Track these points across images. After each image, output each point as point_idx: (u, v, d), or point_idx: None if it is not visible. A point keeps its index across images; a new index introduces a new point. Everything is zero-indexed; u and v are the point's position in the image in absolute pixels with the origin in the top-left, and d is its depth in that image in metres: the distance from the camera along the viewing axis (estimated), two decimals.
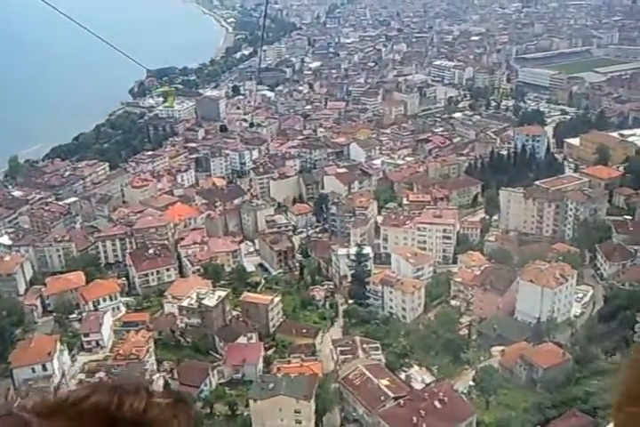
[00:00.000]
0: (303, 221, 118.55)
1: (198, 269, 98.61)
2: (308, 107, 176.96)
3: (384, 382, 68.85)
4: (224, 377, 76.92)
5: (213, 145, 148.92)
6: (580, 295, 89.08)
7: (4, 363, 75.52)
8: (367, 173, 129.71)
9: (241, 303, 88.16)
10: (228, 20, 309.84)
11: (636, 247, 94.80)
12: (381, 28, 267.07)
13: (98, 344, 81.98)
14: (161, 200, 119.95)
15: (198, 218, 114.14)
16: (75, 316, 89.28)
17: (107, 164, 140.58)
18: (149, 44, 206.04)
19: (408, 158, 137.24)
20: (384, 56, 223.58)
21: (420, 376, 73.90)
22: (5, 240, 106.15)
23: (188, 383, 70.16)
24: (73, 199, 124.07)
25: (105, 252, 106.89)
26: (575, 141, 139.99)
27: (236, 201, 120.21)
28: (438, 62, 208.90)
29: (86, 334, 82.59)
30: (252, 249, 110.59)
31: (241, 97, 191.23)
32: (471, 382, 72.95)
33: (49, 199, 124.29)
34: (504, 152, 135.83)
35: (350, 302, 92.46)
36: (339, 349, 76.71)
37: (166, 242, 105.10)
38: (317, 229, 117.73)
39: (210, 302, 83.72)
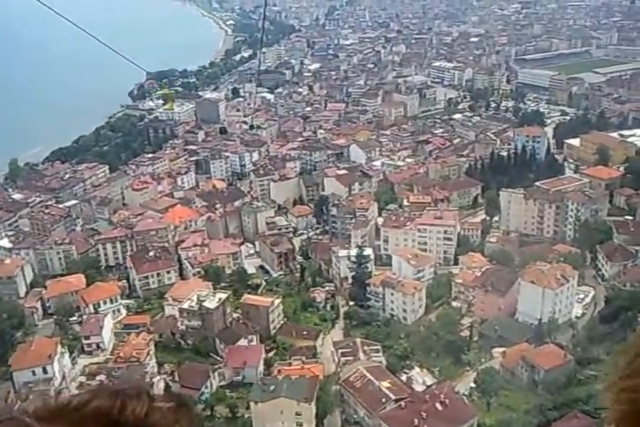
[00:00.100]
0: (303, 223, 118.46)
1: (199, 272, 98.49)
2: (308, 108, 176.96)
3: (385, 384, 68.72)
4: (225, 379, 76.79)
5: (213, 147, 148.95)
6: (582, 296, 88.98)
7: (5, 366, 75.41)
8: (367, 175, 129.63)
9: (241, 305, 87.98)
10: (228, 23, 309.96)
11: (637, 248, 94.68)
12: (381, 29, 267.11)
13: (98, 347, 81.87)
14: (161, 203, 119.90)
15: (199, 220, 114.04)
16: (75, 318, 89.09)
17: (107, 166, 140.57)
18: (149, 46, 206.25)
19: (408, 160, 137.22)
20: (383, 57, 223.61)
21: (421, 378, 73.81)
22: (6, 243, 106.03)
23: (188, 386, 70.01)
24: (73, 202, 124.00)
25: (105, 254, 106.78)
26: (575, 142, 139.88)
27: (237, 203, 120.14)
28: (438, 64, 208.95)
29: (87, 337, 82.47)
30: (252, 251, 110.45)
31: (241, 99, 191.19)
32: (472, 384, 72.79)
33: (49, 202, 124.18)
34: (504, 153, 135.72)
35: (351, 303, 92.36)
36: (339, 351, 76.56)
37: (167, 244, 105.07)
38: (318, 231, 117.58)
39: (210, 304, 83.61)
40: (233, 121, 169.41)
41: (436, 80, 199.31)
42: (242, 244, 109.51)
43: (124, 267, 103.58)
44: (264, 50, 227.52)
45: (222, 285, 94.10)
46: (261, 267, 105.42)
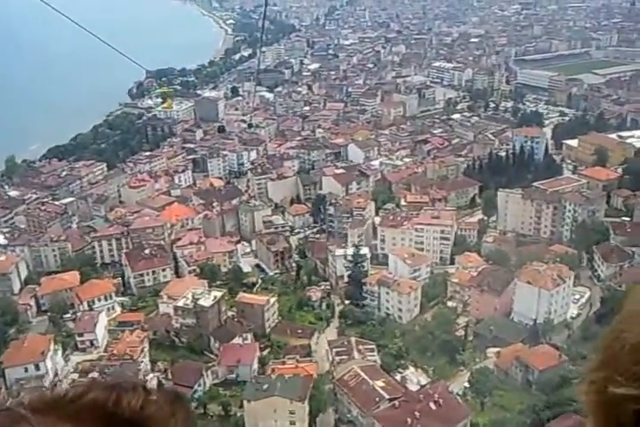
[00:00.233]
0: (300, 222, 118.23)
1: (194, 270, 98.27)
2: (307, 108, 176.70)
3: (379, 383, 68.54)
4: (218, 378, 76.56)
5: (211, 146, 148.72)
6: (577, 297, 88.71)
7: None
8: (365, 174, 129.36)
9: (237, 304, 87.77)
10: (228, 22, 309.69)
11: (633, 249, 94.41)
12: (380, 29, 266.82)
13: (92, 344, 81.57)
14: (158, 200, 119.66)
15: (195, 218, 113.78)
16: (69, 316, 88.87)
17: (104, 164, 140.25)
18: (148, 45, 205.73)
19: (406, 159, 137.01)
20: (383, 57, 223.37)
21: (415, 378, 73.64)
22: (1, 240, 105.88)
23: (181, 384, 69.56)
24: (70, 199, 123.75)
25: (101, 252, 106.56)
26: (574, 143, 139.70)
27: (234, 202, 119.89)
28: (437, 64, 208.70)
29: (80, 334, 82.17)
30: (248, 249, 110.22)
31: (240, 98, 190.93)
32: (466, 384, 72.59)
33: (45, 199, 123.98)
34: (502, 153, 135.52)
35: (346, 302, 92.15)
36: (334, 350, 76.35)
37: (162, 242, 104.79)
38: (315, 230, 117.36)
39: (205, 302, 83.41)
40: (232, 120, 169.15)
41: (436, 80, 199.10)
42: (238, 242, 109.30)
43: (120, 264, 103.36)
44: (264, 49, 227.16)
45: (218, 283, 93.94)
46: (257, 265, 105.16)
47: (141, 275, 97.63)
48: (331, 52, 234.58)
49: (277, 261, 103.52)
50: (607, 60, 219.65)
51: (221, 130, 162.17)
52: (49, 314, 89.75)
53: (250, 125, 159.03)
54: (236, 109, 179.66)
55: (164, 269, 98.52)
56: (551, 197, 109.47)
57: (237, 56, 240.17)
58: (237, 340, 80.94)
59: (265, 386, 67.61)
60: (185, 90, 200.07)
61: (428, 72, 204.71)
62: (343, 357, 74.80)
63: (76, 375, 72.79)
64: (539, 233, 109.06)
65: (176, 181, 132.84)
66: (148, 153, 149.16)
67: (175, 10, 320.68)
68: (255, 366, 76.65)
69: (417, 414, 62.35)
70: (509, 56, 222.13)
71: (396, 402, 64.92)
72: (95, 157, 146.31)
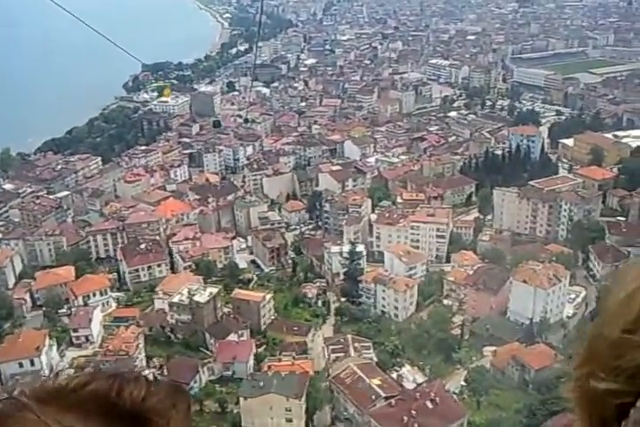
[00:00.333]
0: (296, 219, 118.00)
1: (190, 265, 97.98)
2: (303, 104, 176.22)
3: (375, 381, 68.56)
4: (214, 374, 76.41)
5: (207, 141, 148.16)
6: (573, 296, 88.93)
7: None
8: (361, 171, 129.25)
9: (232, 300, 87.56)
10: (224, 16, 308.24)
11: (628, 249, 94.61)
12: (378, 25, 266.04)
13: (87, 340, 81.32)
14: (153, 195, 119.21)
15: (191, 214, 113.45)
16: (64, 311, 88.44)
17: (99, 158, 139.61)
18: (144, 38, 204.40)
19: (403, 157, 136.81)
20: (380, 54, 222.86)
21: (411, 376, 73.61)
22: None
23: (177, 380, 69.31)
24: (65, 193, 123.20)
25: (96, 246, 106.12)
26: (569, 142, 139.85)
27: (229, 197, 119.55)
28: (434, 61, 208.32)
29: (75, 330, 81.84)
30: (244, 246, 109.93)
31: (236, 93, 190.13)
32: (463, 383, 72.73)
33: (40, 193, 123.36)
34: (499, 152, 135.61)
35: (342, 299, 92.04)
36: (330, 347, 76.35)
37: (158, 237, 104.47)
38: (310, 227, 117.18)
39: (201, 298, 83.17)
40: (227, 115, 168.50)
41: (432, 77, 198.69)
42: (234, 238, 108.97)
43: (115, 259, 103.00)
44: (260, 44, 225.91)
45: (213, 279, 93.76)
46: (253, 262, 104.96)
47: (137, 270, 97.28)
48: (327, 47, 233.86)
49: (273, 258, 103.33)
50: (604, 59, 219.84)
51: (217, 125, 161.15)
52: (44, 309, 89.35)
53: (246, 120, 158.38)
54: (232, 104, 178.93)
55: (159, 265, 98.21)
56: (547, 196, 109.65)
57: (234, 50, 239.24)
58: (233, 336, 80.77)
59: (261, 383, 67.58)
60: (181, 84, 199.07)
61: (424, 69, 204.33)
62: (339, 354, 74.81)
63: (71, 371, 72.42)
64: (534, 232, 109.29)
65: (172, 175, 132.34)
66: (143, 147, 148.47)
67: (172, 2, 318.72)
68: (251, 362, 76.50)
69: (413, 412, 62.48)
70: (506, 54, 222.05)
71: (393, 400, 64.99)
72: (90, 150, 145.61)
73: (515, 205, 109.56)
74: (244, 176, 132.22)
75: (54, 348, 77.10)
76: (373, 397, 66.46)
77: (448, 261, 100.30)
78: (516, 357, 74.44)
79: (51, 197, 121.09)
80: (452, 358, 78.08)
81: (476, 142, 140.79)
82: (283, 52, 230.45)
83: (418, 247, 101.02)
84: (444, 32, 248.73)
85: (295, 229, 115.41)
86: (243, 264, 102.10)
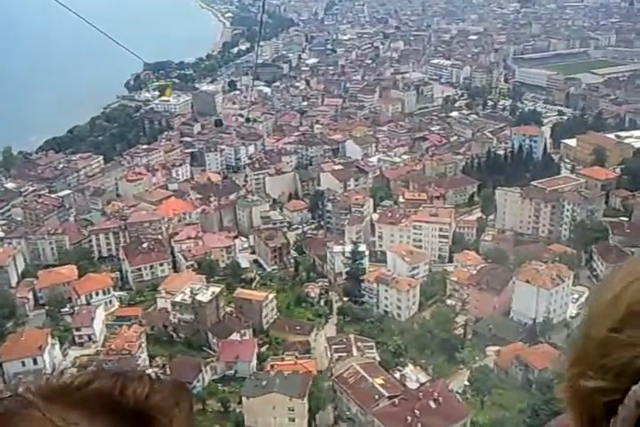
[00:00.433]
0: (298, 218, 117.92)
1: (192, 265, 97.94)
2: (305, 103, 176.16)
3: (378, 380, 68.49)
4: (217, 374, 76.38)
5: (209, 140, 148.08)
6: (576, 296, 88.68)
7: None
8: (363, 171, 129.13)
9: (235, 299, 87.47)
10: (226, 15, 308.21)
11: (632, 249, 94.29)
12: (379, 25, 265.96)
13: (90, 339, 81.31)
14: (155, 194, 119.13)
15: (193, 213, 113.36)
16: (67, 310, 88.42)
17: (101, 157, 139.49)
18: (146, 37, 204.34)
19: (405, 156, 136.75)
20: (381, 53, 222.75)
21: (414, 375, 73.58)
22: None
23: (180, 379, 69.30)
24: (66, 192, 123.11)
25: (98, 245, 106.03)
26: (572, 142, 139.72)
27: (231, 196, 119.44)
28: (436, 61, 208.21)
29: (78, 329, 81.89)
30: (246, 245, 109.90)
31: (237, 92, 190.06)
32: (466, 382, 72.63)
33: (42, 192, 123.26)
34: (501, 152, 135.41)
35: (345, 299, 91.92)
36: (333, 346, 76.29)
37: (160, 237, 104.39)
38: (313, 226, 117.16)
39: (203, 297, 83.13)
40: (229, 114, 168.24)
41: (434, 77, 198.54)
42: (236, 237, 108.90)
43: (117, 258, 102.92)
44: (262, 43, 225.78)
45: (216, 278, 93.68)
46: (255, 261, 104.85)
47: (139, 269, 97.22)
48: (329, 47, 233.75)
49: (275, 257, 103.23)
50: (605, 59, 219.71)
51: (218, 124, 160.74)
52: (46, 308, 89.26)
53: (247, 120, 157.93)
54: (234, 103, 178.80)
55: (161, 264, 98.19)
56: (550, 197, 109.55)
57: (235, 50, 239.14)
58: (236, 336, 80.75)
59: (264, 382, 67.55)
60: (183, 83, 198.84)
61: (426, 69, 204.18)
62: (342, 354, 74.76)
63: (74, 370, 72.35)
64: (537, 232, 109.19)
65: (173, 174, 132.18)
66: (145, 146, 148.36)
67: (173, 2, 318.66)
68: (254, 362, 76.48)
69: (417, 412, 62.43)
70: (508, 54, 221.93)
71: (396, 400, 64.91)
72: (92, 149, 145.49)
73: (517, 205, 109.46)
74: (246, 175, 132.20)
75: (57, 347, 77.04)
76: (376, 396, 66.40)
77: (451, 261, 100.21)
78: (519, 357, 74.36)
79: (53, 195, 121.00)
80: (455, 357, 77.99)
81: (478, 142, 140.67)
82: (284, 52, 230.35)
83: (420, 247, 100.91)
84: (445, 32, 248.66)
85: (297, 228, 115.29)
86: (245, 264, 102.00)
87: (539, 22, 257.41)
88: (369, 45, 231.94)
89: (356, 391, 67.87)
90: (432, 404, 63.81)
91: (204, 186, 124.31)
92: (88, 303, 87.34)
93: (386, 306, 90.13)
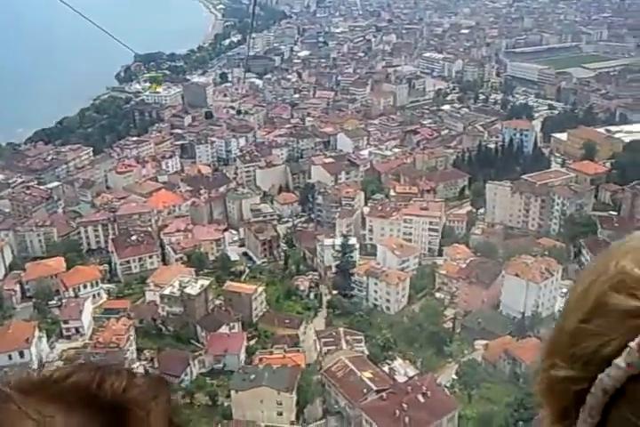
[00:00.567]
0: (289, 211, 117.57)
1: (181, 257, 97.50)
2: (297, 95, 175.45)
3: (367, 374, 68.44)
4: (205, 367, 76.14)
5: (199, 132, 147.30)
6: (565, 290, 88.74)
7: None
8: (354, 164, 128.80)
9: (224, 292, 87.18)
10: (218, 7, 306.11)
11: None
12: (371, 18, 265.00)
13: (77, 331, 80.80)
14: (145, 186, 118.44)
15: (183, 205, 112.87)
16: (54, 302, 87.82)
17: (91, 148, 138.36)
18: (137, 29, 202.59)
19: (396, 150, 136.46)
20: (374, 47, 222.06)
21: (403, 369, 73.54)
22: None
23: (168, 373, 68.77)
24: (55, 184, 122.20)
25: (87, 238, 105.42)
26: (562, 136, 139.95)
27: (222, 189, 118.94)
28: (428, 54, 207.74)
29: (66, 321, 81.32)
30: (236, 238, 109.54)
31: (228, 84, 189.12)
32: (454, 376, 72.73)
33: (31, 183, 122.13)
34: (492, 145, 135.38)
35: (334, 292, 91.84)
36: (322, 340, 76.23)
37: (149, 229, 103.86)
38: (303, 219, 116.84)
39: (192, 290, 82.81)
40: (220, 106, 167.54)
41: (426, 71, 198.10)
42: (226, 230, 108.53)
43: (106, 251, 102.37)
44: (254, 35, 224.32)
45: (205, 271, 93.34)
46: (245, 254, 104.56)
47: (128, 262, 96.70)
48: (321, 39, 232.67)
49: (265, 250, 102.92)
50: (597, 54, 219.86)
51: (209, 116, 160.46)
52: (34, 300, 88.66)
53: (239, 112, 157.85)
54: (225, 96, 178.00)
55: (150, 257, 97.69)
56: (540, 190, 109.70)
57: (227, 42, 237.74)
58: (224, 329, 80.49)
59: (252, 376, 67.39)
60: (174, 75, 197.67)
61: (418, 62, 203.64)
62: (331, 347, 74.72)
63: (61, 363, 71.89)
64: (527, 226, 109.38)
65: (163, 167, 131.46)
66: (135, 138, 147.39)
67: None
68: (242, 355, 76.26)
69: (405, 405, 62.45)
70: (500, 48, 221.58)
71: (384, 394, 64.91)
72: (82, 141, 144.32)
73: (507, 199, 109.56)
74: (237, 168, 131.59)
75: (44, 340, 76.57)
76: (365, 390, 66.37)
77: (440, 254, 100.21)
78: (507, 350, 74.48)
79: (41, 187, 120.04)
80: (444, 351, 78.10)
81: (470, 136, 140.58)
82: (276, 44, 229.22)
83: (410, 240, 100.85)
84: (437, 25, 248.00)
85: (287, 221, 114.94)
86: (234, 256, 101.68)
87: (531, 16, 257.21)
88: (361, 38, 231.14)
89: (344, 385, 67.82)
90: (420, 398, 63.85)
91: (194, 178, 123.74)
92: (76, 296, 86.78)
93: (375, 299, 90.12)
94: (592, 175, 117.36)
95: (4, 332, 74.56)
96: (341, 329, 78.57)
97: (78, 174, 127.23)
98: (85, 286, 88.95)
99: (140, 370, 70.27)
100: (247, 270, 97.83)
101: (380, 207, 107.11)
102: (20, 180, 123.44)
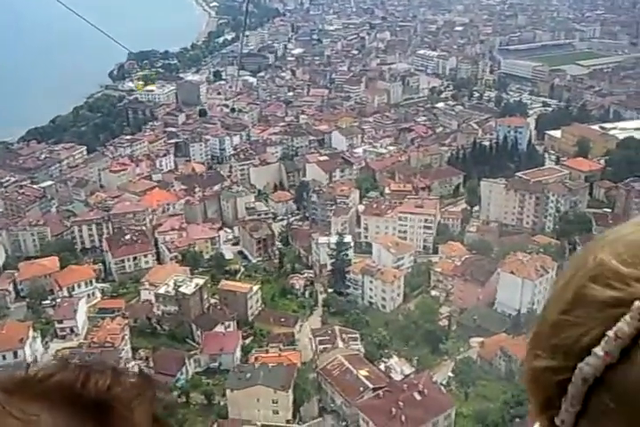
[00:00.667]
0: (283, 209, 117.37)
1: (176, 256, 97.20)
2: (291, 93, 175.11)
3: (363, 372, 68.40)
4: (200, 366, 75.96)
5: (193, 130, 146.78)
6: None
7: None
8: (349, 162, 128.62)
9: (219, 291, 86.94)
10: (211, 5, 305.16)
11: None
12: (365, 15, 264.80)
13: (72, 331, 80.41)
14: (139, 185, 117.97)
15: (177, 204, 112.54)
16: (48, 302, 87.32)
17: (84, 147, 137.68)
18: (131, 27, 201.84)
19: (390, 147, 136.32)
20: (368, 44, 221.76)
21: (399, 367, 73.52)
22: None
23: (163, 372, 68.90)
24: (49, 183, 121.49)
25: (81, 237, 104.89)
26: (556, 134, 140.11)
27: (216, 187, 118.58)
28: (422, 52, 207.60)
29: (60, 321, 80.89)
30: (231, 236, 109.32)
31: (222, 82, 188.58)
32: (450, 374, 72.75)
33: (24, 182, 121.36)
34: (486, 143, 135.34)
35: (330, 291, 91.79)
36: (317, 338, 76.05)
37: (144, 228, 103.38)
38: (298, 217, 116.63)
39: (187, 289, 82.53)
40: (214, 104, 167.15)
41: (420, 68, 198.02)
42: (220, 229, 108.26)
43: (100, 250, 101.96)
44: (247, 33, 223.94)
45: (200, 270, 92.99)
46: (240, 252, 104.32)
47: (122, 261, 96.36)
48: (315, 37, 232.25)
49: (260, 249, 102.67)
50: (590, 51, 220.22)
51: (203, 114, 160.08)
52: (27, 300, 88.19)
53: (232, 110, 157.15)
54: (219, 94, 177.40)
55: (145, 256, 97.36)
56: (534, 188, 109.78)
57: (221, 39, 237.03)
58: (220, 328, 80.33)
59: (248, 375, 67.26)
60: (167, 73, 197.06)
61: (412, 60, 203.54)
62: (327, 345, 74.60)
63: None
64: (521, 223, 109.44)
65: (157, 165, 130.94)
66: (129, 137, 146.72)
67: None
68: (238, 354, 76.11)
69: (401, 404, 62.40)
70: (493, 45, 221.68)
71: (380, 392, 64.83)
72: (75, 139, 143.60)
73: (502, 197, 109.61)
74: (231, 166, 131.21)
75: (38, 340, 76.17)
76: (361, 388, 66.35)
77: (435, 252, 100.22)
78: (503, 348, 74.43)
79: (35, 186, 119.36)
80: (440, 349, 78.14)
81: (464, 133, 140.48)
82: (270, 42, 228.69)
83: (405, 238, 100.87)
84: (431, 23, 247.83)
85: (282, 219, 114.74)
86: (229, 255, 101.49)
87: (524, 13, 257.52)
88: (355, 36, 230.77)
89: (340, 383, 67.77)
90: (416, 396, 63.81)
91: (188, 177, 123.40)
92: (70, 295, 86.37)
93: (371, 297, 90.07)
94: (586, 172, 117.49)
95: None
96: (337, 327, 78.46)
97: (72, 173, 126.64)
98: (80, 286, 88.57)
99: (135, 369, 70.08)
100: (242, 269, 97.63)
101: (374, 205, 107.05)
102: (13, 179, 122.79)
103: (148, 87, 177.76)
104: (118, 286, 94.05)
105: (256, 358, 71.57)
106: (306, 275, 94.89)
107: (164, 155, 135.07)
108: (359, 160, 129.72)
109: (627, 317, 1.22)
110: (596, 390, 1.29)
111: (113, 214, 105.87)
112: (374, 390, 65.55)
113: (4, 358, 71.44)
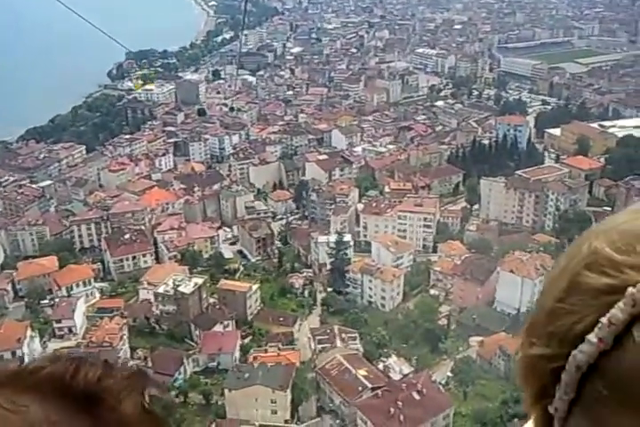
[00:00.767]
0: (283, 208, 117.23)
1: (175, 256, 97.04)
2: (290, 92, 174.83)
3: (362, 372, 68.27)
4: (199, 366, 75.84)
5: (192, 129, 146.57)
6: None
7: None
8: (348, 161, 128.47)
9: (218, 290, 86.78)
10: (210, 4, 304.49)
11: None
12: (364, 14, 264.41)
13: (70, 331, 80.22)
14: (138, 184, 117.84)
15: (176, 203, 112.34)
16: (47, 301, 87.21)
17: (83, 147, 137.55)
18: (129, 26, 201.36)
19: (390, 146, 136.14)
20: (366, 43, 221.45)
21: (397, 367, 73.36)
22: None
23: (162, 371, 68.71)
24: (48, 182, 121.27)
25: (80, 236, 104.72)
26: (556, 132, 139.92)
27: (215, 187, 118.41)
28: (421, 50, 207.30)
29: (58, 321, 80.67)
30: (230, 235, 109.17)
31: (221, 81, 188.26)
32: (449, 373, 72.60)
33: (23, 182, 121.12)
34: (486, 141, 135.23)
35: (329, 290, 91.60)
36: (316, 338, 75.87)
37: (143, 227, 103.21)
38: (297, 216, 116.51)
39: (186, 288, 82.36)
40: (213, 103, 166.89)
41: (419, 66, 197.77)
42: (219, 228, 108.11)
43: (99, 249, 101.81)
44: (246, 32, 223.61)
45: (199, 269, 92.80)
46: (239, 252, 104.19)
47: (121, 260, 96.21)
48: (314, 36, 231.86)
49: (259, 248, 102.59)
50: (589, 49, 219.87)
51: (201, 113, 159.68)
52: (26, 300, 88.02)
53: (232, 109, 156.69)
54: (218, 93, 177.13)
55: (144, 255, 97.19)
56: (534, 186, 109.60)
57: (219, 38, 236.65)
58: (219, 327, 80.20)
59: (246, 375, 67.12)
60: (166, 72, 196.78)
61: (411, 58, 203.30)
62: (325, 345, 74.44)
63: None
64: (521, 222, 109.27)
65: (156, 164, 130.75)
66: (128, 136, 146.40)
67: None
68: (237, 353, 75.97)
69: (400, 403, 62.28)
70: (492, 43, 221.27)
71: (379, 391, 64.69)
72: (74, 139, 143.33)
73: (502, 195, 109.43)
74: (230, 165, 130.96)
75: (36, 339, 76.01)
76: (360, 388, 66.21)
77: (435, 250, 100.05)
78: (502, 347, 74.16)
79: (33, 186, 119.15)
80: (439, 348, 78.01)
81: (463, 132, 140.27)
82: (268, 41, 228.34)
83: (405, 237, 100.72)
84: (430, 21, 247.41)
85: (282, 218, 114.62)
86: (229, 254, 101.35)
87: (523, 11, 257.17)
88: (354, 34, 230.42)
89: (339, 383, 67.63)
90: (415, 395, 63.68)
91: (187, 176, 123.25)
92: (69, 295, 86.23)
93: (370, 296, 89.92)
94: (586, 171, 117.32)
95: None
96: (336, 327, 78.31)
97: (71, 173, 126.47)
98: (78, 285, 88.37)
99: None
100: (241, 268, 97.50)
101: (374, 204, 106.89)
102: (11, 178, 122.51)
103: (147, 86, 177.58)
104: (117, 285, 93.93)
105: (255, 358, 71.43)
106: (305, 274, 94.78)
107: (164, 154, 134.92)
108: (358, 159, 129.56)
109: (620, 303, 1.23)
110: (589, 378, 1.28)
111: (112, 214, 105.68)
112: (373, 389, 65.43)
113: (1, 357, 71.22)
